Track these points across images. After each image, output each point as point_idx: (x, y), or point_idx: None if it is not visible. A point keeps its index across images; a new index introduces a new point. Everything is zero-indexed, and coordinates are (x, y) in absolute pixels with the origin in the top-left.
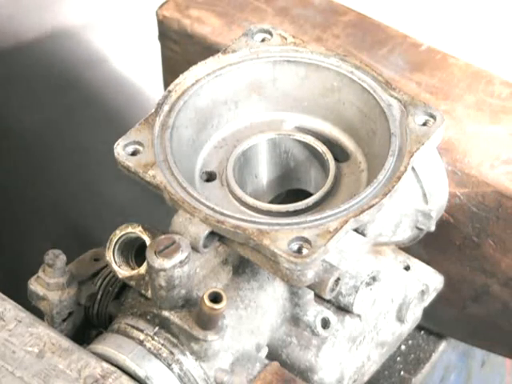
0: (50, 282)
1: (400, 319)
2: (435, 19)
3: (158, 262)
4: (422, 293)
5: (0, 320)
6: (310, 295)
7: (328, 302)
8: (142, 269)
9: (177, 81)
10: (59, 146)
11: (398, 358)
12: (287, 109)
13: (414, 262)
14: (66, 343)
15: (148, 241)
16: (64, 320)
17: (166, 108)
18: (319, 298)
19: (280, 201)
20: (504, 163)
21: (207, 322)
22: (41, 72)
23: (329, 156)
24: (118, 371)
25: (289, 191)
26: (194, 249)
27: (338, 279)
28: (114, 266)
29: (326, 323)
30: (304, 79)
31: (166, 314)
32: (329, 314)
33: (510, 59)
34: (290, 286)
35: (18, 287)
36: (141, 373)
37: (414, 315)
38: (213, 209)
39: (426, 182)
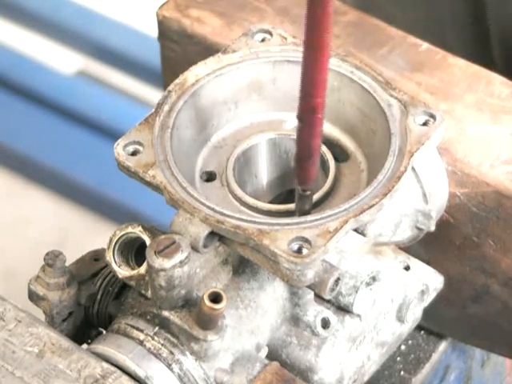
0: (50, 282)
1: (400, 319)
2: None
3: (158, 262)
4: (422, 293)
5: (0, 320)
6: (310, 295)
7: (328, 302)
8: (142, 269)
9: (177, 81)
10: None
11: (398, 358)
12: (287, 109)
13: (414, 262)
14: (66, 343)
15: (148, 241)
16: (64, 320)
17: (166, 108)
18: (319, 297)
19: (280, 201)
20: (504, 163)
21: (207, 321)
22: None
23: (329, 156)
24: (118, 371)
25: (289, 191)
26: (194, 249)
27: (338, 279)
28: (114, 266)
29: (326, 323)
30: None
31: (166, 313)
32: (329, 314)
33: None
34: (290, 286)
35: None
36: (141, 373)
37: (414, 315)
38: (213, 209)
39: (426, 182)
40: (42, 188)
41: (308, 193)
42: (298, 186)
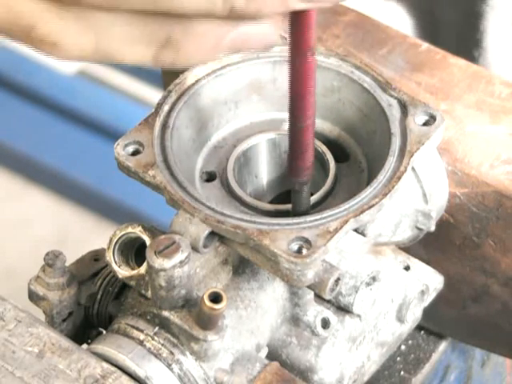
0: (50, 282)
1: (400, 319)
2: None
3: (158, 262)
4: (422, 293)
5: (0, 320)
6: (310, 295)
7: (328, 302)
8: (142, 269)
9: (177, 81)
10: None
11: (398, 358)
12: (287, 109)
13: (414, 262)
14: (66, 343)
15: (148, 241)
16: (64, 320)
17: (165, 108)
18: (319, 298)
19: (280, 201)
20: (504, 163)
21: (207, 322)
22: None
23: (329, 156)
24: (118, 371)
25: (289, 191)
26: (194, 249)
27: (338, 279)
28: (114, 266)
29: (326, 323)
30: None
31: (166, 314)
32: (329, 313)
33: None
34: (290, 286)
35: None
36: (141, 373)
37: (414, 315)
38: (213, 209)
39: (426, 182)
40: (42, 188)
41: (305, 185)
42: (292, 180)
